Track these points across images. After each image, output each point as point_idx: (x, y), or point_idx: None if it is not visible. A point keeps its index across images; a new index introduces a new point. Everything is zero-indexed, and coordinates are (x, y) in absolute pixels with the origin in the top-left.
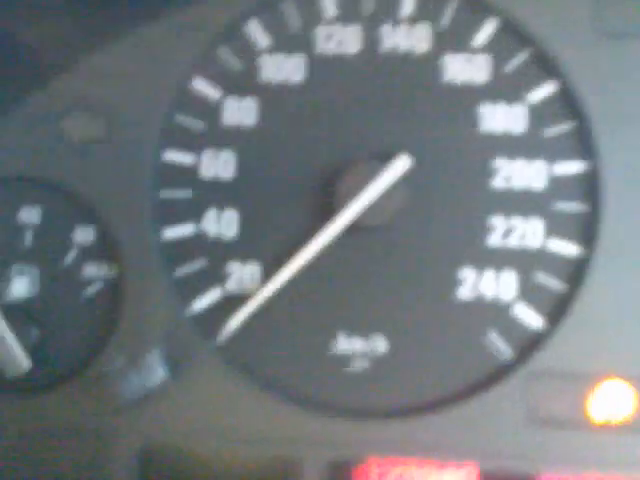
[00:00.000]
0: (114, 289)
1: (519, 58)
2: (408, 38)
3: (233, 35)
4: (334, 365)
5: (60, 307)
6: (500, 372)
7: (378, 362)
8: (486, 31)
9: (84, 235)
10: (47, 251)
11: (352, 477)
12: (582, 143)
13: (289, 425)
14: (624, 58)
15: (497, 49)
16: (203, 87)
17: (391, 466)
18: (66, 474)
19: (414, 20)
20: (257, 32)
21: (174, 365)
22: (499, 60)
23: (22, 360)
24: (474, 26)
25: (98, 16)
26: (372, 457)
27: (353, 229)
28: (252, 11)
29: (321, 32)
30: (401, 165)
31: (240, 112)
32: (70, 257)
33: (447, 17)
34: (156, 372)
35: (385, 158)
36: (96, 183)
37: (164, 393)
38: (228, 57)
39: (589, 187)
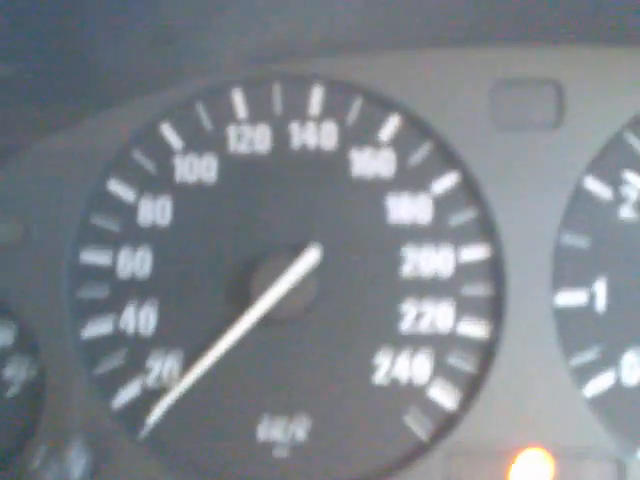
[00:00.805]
0: (35, 388)
1: (422, 151)
2: (316, 136)
3: (147, 137)
4: (256, 452)
5: None
6: (418, 452)
7: (299, 448)
8: (390, 126)
9: (3, 336)
10: None
11: None
12: (485, 229)
13: None
14: (520, 148)
15: (401, 143)
16: (118, 188)
17: None
18: None
19: (321, 119)
20: (170, 134)
21: (96, 460)
22: (403, 153)
23: None
24: (378, 122)
25: (15, 119)
26: None
27: (269, 321)
28: (165, 113)
29: (232, 132)
30: (311, 257)
31: (155, 211)
32: None
33: (352, 114)
34: (77, 469)
35: (296, 251)
36: (13, 285)
37: None
38: (142, 159)
39: (494, 271)
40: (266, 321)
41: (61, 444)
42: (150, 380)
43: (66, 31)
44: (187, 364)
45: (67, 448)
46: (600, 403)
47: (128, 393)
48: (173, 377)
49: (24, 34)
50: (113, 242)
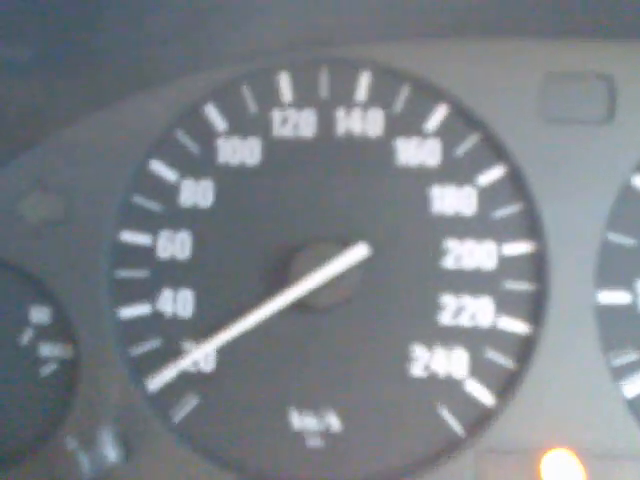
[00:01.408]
0: (70, 368)
1: (469, 142)
2: (362, 122)
3: (191, 118)
4: (289, 442)
5: (15, 387)
6: (453, 447)
7: (332, 439)
8: (437, 116)
9: (40, 315)
10: (2, 331)
11: None
12: (530, 224)
13: None
14: (570, 143)
15: (447, 133)
16: (160, 169)
17: None
18: None
19: (367, 105)
20: (214, 116)
21: (129, 444)
22: (449, 144)
23: None
24: (425, 111)
25: (58, 98)
26: None
27: (306, 308)
28: (210, 95)
29: (277, 116)
30: (359, 252)
31: (196, 194)
32: (25, 337)
33: (399, 103)
34: (110, 452)
35: (339, 240)
36: (52, 263)
37: (119, 472)
38: (185, 140)
39: (537, 267)
40: (303, 309)
41: (95, 426)
42: (188, 363)
43: (109, 6)
44: (222, 349)
45: (101, 430)
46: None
47: (163, 376)
48: (209, 362)
49: (65, 8)
50: (154, 223)
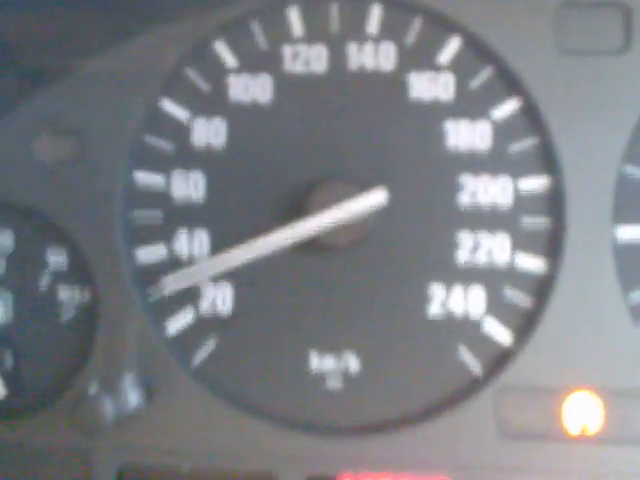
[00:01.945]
0: (88, 313)
1: (483, 75)
2: (374, 56)
3: (200, 55)
4: (308, 384)
5: (34, 332)
6: (471, 387)
7: (351, 380)
8: (450, 49)
9: (56, 258)
10: (20, 275)
11: None
12: (546, 158)
13: (264, 443)
14: (585, 74)
15: (461, 67)
16: (171, 108)
17: None
18: None
19: (379, 39)
20: (224, 52)
21: (149, 388)
22: (463, 77)
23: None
24: (438, 44)
25: (67, 37)
26: (346, 473)
27: (321, 247)
28: (219, 31)
29: (287, 51)
30: (377, 198)
31: (209, 132)
32: (43, 281)
33: (412, 35)
34: (132, 396)
35: (355, 178)
36: (67, 205)
37: (141, 415)
38: (196, 78)
39: (553, 202)
40: (319, 248)
41: (115, 370)
42: (203, 307)
43: None
44: (240, 292)
45: (121, 375)
46: None
47: (181, 320)
48: (226, 304)
49: None
50: (167, 163)
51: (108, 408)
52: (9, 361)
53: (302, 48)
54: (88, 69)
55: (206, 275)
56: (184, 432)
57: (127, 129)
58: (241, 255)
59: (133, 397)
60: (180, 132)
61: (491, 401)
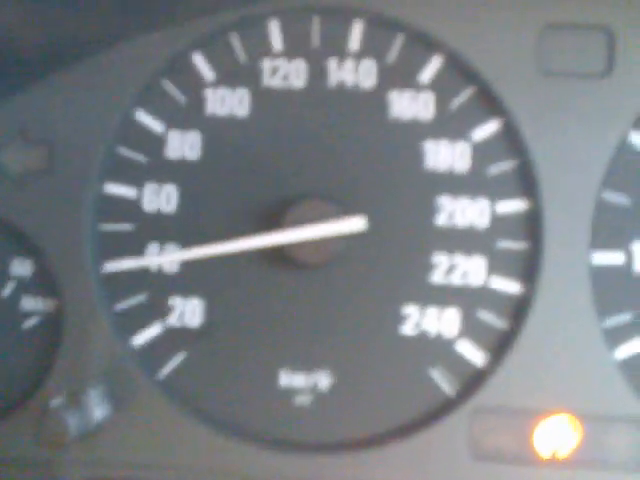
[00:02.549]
0: (53, 323)
1: (463, 95)
2: (354, 73)
3: (178, 67)
4: (278, 399)
5: None
6: (444, 407)
7: (321, 397)
8: (432, 68)
9: (22, 268)
10: None
11: None
12: (525, 181)
13: (230, 458)
14: (567, 97)
15: (442, 86)
16: (146, 120)
17: None
18: None
19: (360, 55)
20: (202, 65)
21: (116, 400)
22: (444, 97)
23: None
24: (420, 62)
25: (40, 44)
26: None
27: (294, 264)
28: (197, 43)
29: (267, 66)
30: (356, 224)
31: (184, 146)
32: (7, 290)
33: (393, 53)
34: (97, 410)
35: (334, 195)
36: (35, 215)
37: (105, 428)
38: (172, 90)
39: (531, 225)
40: (292, 264)
41: (79, 382)
42: (171, 320)
43: None
44: (210, 306)
45: (86, 387)
46: (631, 367)
47: (149, 332)
48: (195, 317)
49: None
50: (139, 175)
51: (72, 422)
52: None
53: (282, 63)
54: (61, 76)
55: (159, 260)
56: (149, 446)
57: (99, 140)
58: (203, 251)
59: (98, 411)
60: (154, 144)
61: (464, 422)
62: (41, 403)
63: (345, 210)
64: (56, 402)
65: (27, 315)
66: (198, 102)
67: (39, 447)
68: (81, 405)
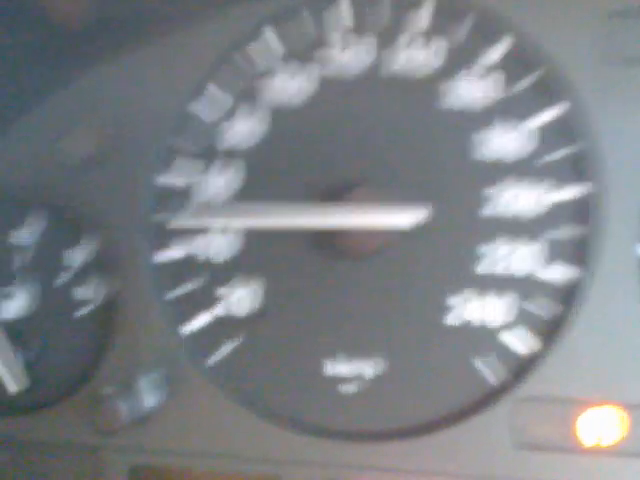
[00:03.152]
0: (106, 310)
1: (529, 79)
2: (422, 52)
3: (236, 55)
4: (324, 388)
5: (53, 327)
6: (488, 397)
7: (366, 386)
8: (499, 50)
9: (76, 256)
10: (41, 271)
11: None
12: (583, 168)
13: (276, 446)
14: (632, 84)
15: (508, 68)
16: (202, 110)
17: None
18: None
19: (429, 34)
20: (272, 42)
21: (166, 387)
22: (509, 80)
23: (21, 378)
24: (488, 44)
25: (100, 34)
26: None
27: (345, 254)
28: (254, 33)
29: (337, 42)
30: (417, 215)
31: (239, 135)
32: (62, 278)
33: (462, 33)
34: (148, 397)
35: (392, 181)
36: (90, 204)
37: (155, 415)
38: (230, 77)
39: (586, 211)
40: (341, 254)
41: (132, 369)
42: (221, 308)
43: None
44: (260, 293)
45: (138, 374)
46: None
47: (199, 320)
48: (245, 306)
49: None
50: (197, 163)
51: (125, 409)
52: (28, 354)
53: (352, 39)
54: (121, 69)
55: (218, 218)
56: (197, 433)
57: (157, 129)
58: (261, 211)
59: (149, 398)
60: (209, 134)
61: (507, 411)
62: (93, 390)
63: (403, 198)
64: (109, 389)
65: (81, 302)
66: (257, 89)
67: (89, 433)
68: (133, 392)
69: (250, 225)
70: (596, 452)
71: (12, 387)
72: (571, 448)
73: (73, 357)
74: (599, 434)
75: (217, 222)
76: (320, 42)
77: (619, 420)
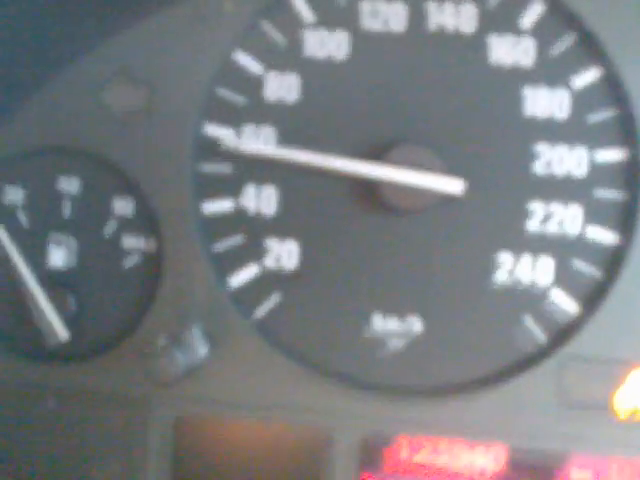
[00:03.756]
0: (153, 262)
1: (565, 42)
2: (454, 17)
3: (277, 9)
4: (370, 344)
5: (98, 278)
6: (534, 356)
7: (413, 342)
8: (533, 12)
9: (123, 206)
10: (85, 221)
11: (383, 453)
12: (625, 131)
13: (322, 399)
14: None
15: (543, 32)
16: (245, 61)
17: (422, 444)
18: (102, 440)
19: (459, 0)
20: (301, 6)
21: (212, 340)
22: (545, 43)
23: (60, 331)
24: (521, 7)
25: None
26: (403, 435)
27: (387, 208)
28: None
29: (366, 8)
30: (453, 187)
31: (282, 87)
32: (108, 228)
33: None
34: (198, 349)
35: (433, 141)
36: (135, 154)
37: (202, 367)
38: (271, 31)
39: (630, 175)
40: (387, 210)
41: (178, 321)
42: (268, 261)
43: None
44: (306, 250)
45: (187, 326)
46: None
47: (245, 273)
48: (292, 260)
49: None
50: (237, 117)
51: (180, 360)
52: (72, 305)
53: (381, 5)
54: (161, 15)
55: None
56: (244, 385)
57: (199, 80)
58: (302, 156)
59: (200, 349)
60: (252, 85)
61: (555, 370)
62: (141, 341)
63: (444, 157)
64: (162, 340)
65: (128, 253)
66: (297, 43)
67: (135, 384)
68: (184, 343)
69: (301, 161)
70: (636, 415)
71: (50, 341)
72: (614, 409)
73: (120, 307)
74: None
75: (267, 151)
76: (349, 7)
77: None
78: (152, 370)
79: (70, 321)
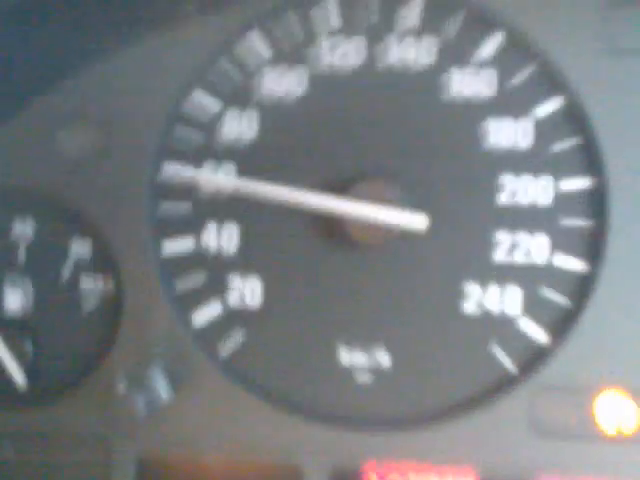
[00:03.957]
0: (112, 303)
1: (525, 72)
2: (414, 50)
3: (234, 47)
4: (337, 378)
5: (56, 321)
6: (504, 385)
7: (381, 375)
8: (492, 44)
9: (80, 247)
10: (42, 264)
11: None
12: (589, 159)
13: (291, 434)
14: (631, 74)
15: (503, 63)
16: (203, 99)
17: (390, 471)
18: None
19: (419, 33)
20: (258, 44)
21: (176, 381)
22: (505, 74)
23: (18, 378)
24: (480, 39)
25: (98, 27)
26: (372, 465)
27: (351, 242)
28: (253, 23)
29: (323, 45)
30: (416, 221)
31: (240, 125)
32: (66, 270)
33: (452, 30)
34: (159, 390)
35: (394, 176)
36: (93, 196)
37: (167, 409)
38: (229, 69)
39: (595, 203)
40: (350, 243)
41: (140, 362)
42: (231, 299)
43: None
44: (269, 287)
45: (148, 368)
46: None
47: (209, 313)
48: (255, 297)
49: None
50: (197, 154)
51: (140, 403)
52: (29, 350)
53: (340, 40)
54: (118, 60)
55: (211, 185)
56: (209, 424)
57: (156, 120)
58: (263, 189)
59: (162, 390)
60: (210, 124)
61: (525, 399)
62: (101, 384)
63: (408, 190)
64: (123, 383)
65: (87, 294)
66: (254, 82)
67: (96, 425)
68: (145, 386)
69: (262, 195)
70: (616, 440)
71: (11, 386)
72: (591, 436)
73: (79, 350)
74: (619, 422)
75: (228, 184)
76: (308, 43)
77: (633, 409)
78: (112, 414)
79: (27, 366)
